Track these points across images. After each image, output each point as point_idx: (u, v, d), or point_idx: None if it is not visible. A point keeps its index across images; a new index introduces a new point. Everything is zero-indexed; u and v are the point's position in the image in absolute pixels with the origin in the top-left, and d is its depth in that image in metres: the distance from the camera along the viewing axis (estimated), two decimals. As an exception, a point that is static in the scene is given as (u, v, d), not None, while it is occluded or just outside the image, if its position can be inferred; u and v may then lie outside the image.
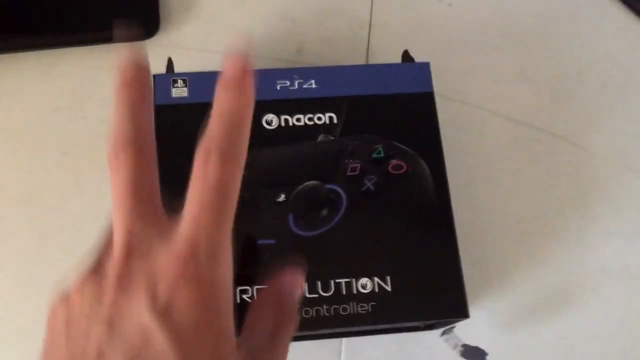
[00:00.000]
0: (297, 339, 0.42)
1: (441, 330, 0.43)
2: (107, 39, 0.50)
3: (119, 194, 0.24)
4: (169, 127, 0.41)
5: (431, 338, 0.44)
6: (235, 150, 0.24)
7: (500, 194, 0.50)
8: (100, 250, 0.25)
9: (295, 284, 0.29)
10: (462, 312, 0.38)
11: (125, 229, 0.24)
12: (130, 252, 0.23)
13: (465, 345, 0.42)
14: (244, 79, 0.25)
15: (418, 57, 0.46)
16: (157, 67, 0.50)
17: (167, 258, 0.23)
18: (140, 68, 0.26)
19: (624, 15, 0.56)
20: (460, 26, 0.55)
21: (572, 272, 0.48)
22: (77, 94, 0.50)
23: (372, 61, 0.53)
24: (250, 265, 0.38)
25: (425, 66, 0.43)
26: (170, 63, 0.44)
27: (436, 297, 0.38)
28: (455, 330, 0.43)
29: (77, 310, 0.23)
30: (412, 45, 0.53)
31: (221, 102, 0.25)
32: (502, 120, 0.52)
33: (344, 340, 0.45)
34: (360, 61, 0.53)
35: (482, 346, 0.44)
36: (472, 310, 0.38)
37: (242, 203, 0.39)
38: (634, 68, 0.54)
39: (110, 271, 0.23)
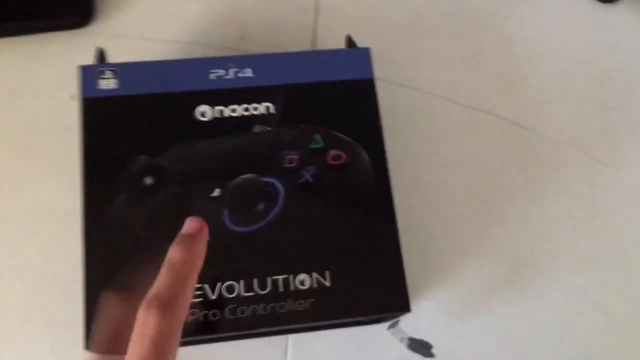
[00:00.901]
0: (238, 337, 0.41)
1: (387, 323, 0.42)
2: (41, 28, 0.47)
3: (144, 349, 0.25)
4: (97, 120, 0.39)
5: (379, 331, 0.43)
6: (176, 303, 0.26)
7: (450, 180, 0.49)
8: None
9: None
10: (404, 306, 0.37)
11: None
12: None
13: (411, 339, 0.40)
14: (196, 239, 0.29)
15: (367, 43, 0.44)
16: (93, 57, 0.48)
17: None
18: (197, 242, 0.29)
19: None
20: (410, 10, 0.54)
21: (522, 260, 0.47)
22: (10, 86, 0.48)
23: (318, 47, 0.52)
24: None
25: (366, 51, 0.42)
26: (100, 54, 0.42)
27: (377, 291, 0.37)
28: (401, 323, 0.41)
29: None
30: (360, 30, 0.51)
31: (171, 255, 0.28)
32: (453, 105, 0.51)
33: (291, 335, 0.43)
34: (306, 47, 0.52)
35: (431, 337, 0.43)
36: (420, 300, 0.37)
37: (175, 199, 0.38)
38: (584, 51, 0.53)
39: None
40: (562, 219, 0.48)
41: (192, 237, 0.29)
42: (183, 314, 0.27)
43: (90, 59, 0.47)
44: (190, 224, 0.30)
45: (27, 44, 0.49)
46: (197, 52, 0.50)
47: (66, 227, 0.44)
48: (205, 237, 0.30)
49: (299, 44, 0.52)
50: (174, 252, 0.28)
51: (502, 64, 0.52)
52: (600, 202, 0.49)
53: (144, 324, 0.25)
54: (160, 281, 0.27)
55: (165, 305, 0.26)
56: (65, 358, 0.42)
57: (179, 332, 0.26)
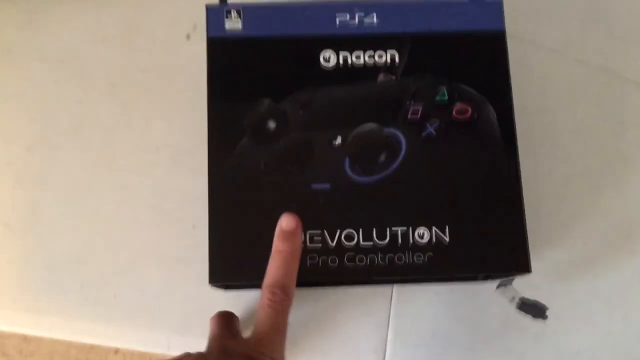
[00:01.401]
0: (346, 283, 0.41)
1: (496, 282, 0.42)
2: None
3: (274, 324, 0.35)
4: (224, 60, 0.39)
5: (484, 288, 0.43)
6: (291, 286, 0.35)
7: (563, 140, 0.47)
8: None
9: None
10: (524, 267, 0.36)
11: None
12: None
13: (523, 299, 0.40)
14: (296, 234, 0.36)
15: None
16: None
17: None
18: (298, 236, 0.36)
19: None
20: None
21: (635, 223, 0.45)
22: (125, 25, 0.48)
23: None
24: (303, 209, 0.37)
25: (498, 4, 0.40)
26: (223, -8, 0.41)
27: (497, 250, 0.37)
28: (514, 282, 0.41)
29: None
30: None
31: (281, 248, 0.35)
32: (571, 62, 0.48)
33: (395, 286, 0.44)
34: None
35: (539, 298, 0.42)
36: (531, 261, 0.37)
37: (297, 144, 0.38)
38: None
39: None
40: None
41: (293, 233, 0.35)
42: (294, 293, 0.35)
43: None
44: (289, 222, 0.35)
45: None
46: None
47: (177, 165, 0.45)
48: (300, 229, 0.36)
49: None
50: (283, 246, 0.35)
51: (625, 19, 0.49)
52: None
53: (273, 303, 0.34)
54: (278, 271, 0.35)
55: (285, 290, 0.34)
56: (175, 292, 0.43)
57: (290, 309, 0.35)
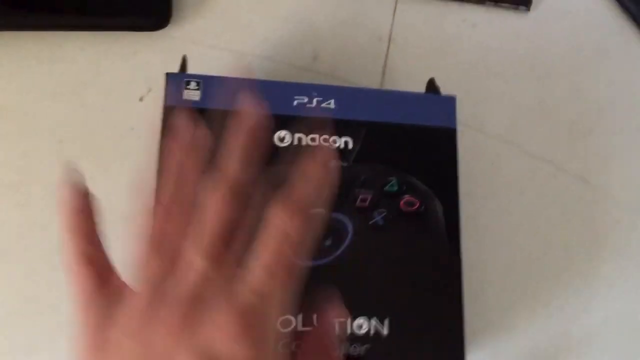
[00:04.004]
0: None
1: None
2: (115, 26, 0.47)
3: (211, 227, 0.24)
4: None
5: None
6: (314, 212, 0.26)
7: (508, 228, 0.48)
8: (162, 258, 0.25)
9: (339, 323, 0.30)
10: None
11: (201, 266, 0.23)
12: (198, 292, 0.23)
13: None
14: (329, 167, 0.28)
15: (436, 77, 0.43)
16: (166, 58, 0.48)
17: (230, 313, 0.22)
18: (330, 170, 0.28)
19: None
20: (482, 49, 0.53)
21: (574, 318, 0.46)
22: (78, 80, 0.47)
23: (388, 76, 0.51)
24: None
25: (451, 100, 0.41)
26: (184, 62, 0.41)
27: (433, 346, 0.37)
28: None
29: (132, 322, 0.23)
30: (431, 64, 0.51)
31: (310, 169, 0.27)
32: (517, 151, 0.50)
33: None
34: (377, 75, 0.51)
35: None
36: (470, 348, 0.37)
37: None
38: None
39: (172, 303, 0.23)
40: (617, 281, 0.47)
41: (326, 162, 0.28)
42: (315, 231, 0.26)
43: (163, 62, 0.47)
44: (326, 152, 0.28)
45: (101, 40, 0.48)
46: (268, 68, 0.50)
47: (121, 230, 0.44)
48: (333, 172, 0.28)
49: (370, 71, 0.51)
50: (310, 167, 0.27)
51: (571, 115, 0.52)
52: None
53: (284, 225, 0.25)
54: (301, 189, 0.26)
55: (307, 212, 0.26)
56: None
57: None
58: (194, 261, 0.24)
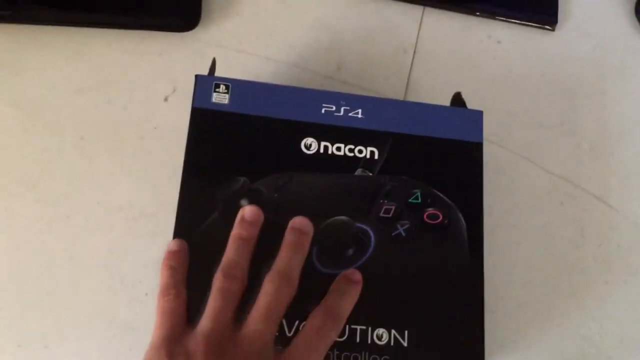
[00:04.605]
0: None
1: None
2: (145, 25, 0.47)
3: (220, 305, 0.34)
4: (205, 132, 0.39)
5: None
6: (245, 271, 0.35)
7: (525, 245, 0.48)
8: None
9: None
10: None
11: (215, 329, 0.33)
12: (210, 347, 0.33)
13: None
14: (255, 224, 0.37)
15: (459, 92, 0.43)
16: (193, 60, 0.48)
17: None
18: (257, 221, 0.37)
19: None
20: (506, 66, 0.53)
21: (588, 339, 0.46)
22: (103, 77, 0.47)
23: (412, 88, 0.51)
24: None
25: (478, 115, 0.41)
26: (213, 64, 0.41)
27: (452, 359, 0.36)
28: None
29: None
30: (455, 78, 0.51)
31: (236, 232, 0.36)
32: (537, 169, 0.50)
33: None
34: (400, 86, 0.51)
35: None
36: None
37: (268, 227, 0.37)
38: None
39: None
40: (633, 303, 0.47)
41: (253, 223, 0.37)
42: (246, 281, 0.35)
43: (190, 62, 0.47)
44: (252, 212, 0.37)
45: (129, 38, 0.48)
46: (293, 75, 0.50)
47: (139, 227, 0.44)
48: (261, 221, 0.37)
49: (393, 83, 0.51)
50: (240, 230, 0.36)
51: (593, 135, 0.52)
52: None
53: (218, 288, 0.34)
54: (233, 253, 0.36)
55: (238, 272, 0.35)
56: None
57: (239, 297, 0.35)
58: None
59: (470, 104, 0.43)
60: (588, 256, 0.48)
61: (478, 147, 0.40)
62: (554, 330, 0.46)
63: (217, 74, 0.40)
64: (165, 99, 0.47)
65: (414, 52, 0.53)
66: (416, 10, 0.53)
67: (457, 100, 0.43)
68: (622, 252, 0.49)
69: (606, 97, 0.53)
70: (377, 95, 0.49)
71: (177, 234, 0.37)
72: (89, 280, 0.42)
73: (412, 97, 0.51)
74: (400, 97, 0.51)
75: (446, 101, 0.44)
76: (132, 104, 0.47)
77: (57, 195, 0.44)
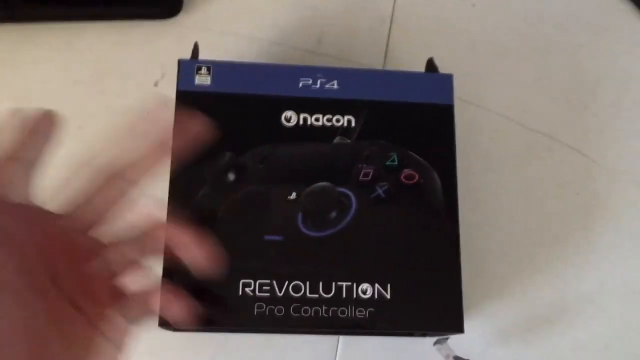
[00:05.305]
0: (294, 331, 0.43)
1: (434, 338, 0.44)
2: (130, 15, 0.50)
3: None
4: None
5: (425, 343, 0.46)
6: None
7: (506, 199, 0.50)
8: None
9: None
10: (457, 327, 0.39)
11: None
12: None
13: (457, 357, 0.43)
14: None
15: (437, 56, 0.45)
16: (178, 45, 0.50)
17: None
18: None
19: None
20: (481, 28, 0.55)
21: (570, 285, 0.49)
22: (97, 68, 0.50)
23: (390, 57, 0.54)
24: (255, 259, 0.39)
25: (448, 78, 0.43)
26: (195, 48, 0.43)
27: (433, 309, 0.39)
28: (449, 340, 0.44)
29: None
30: (432, 44, 0.53)
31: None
32: (516, 126, 0.52)
33: (342, 336, 0.46)
34: (379, 56, 0.53)
35: (474, 355, 0.45)
36: (468, 315, 0.39)
37: (254, 197, 0.40)
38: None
39: None
40: (611, 249, 0.50)
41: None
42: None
43: (175, 50, 0.49)
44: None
45: (117, 29, 0.51)
46: (276, 52, 0.52)
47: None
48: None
49: (372, 53, 0.53)
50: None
51: (567, 89, 0.54)
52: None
53: None
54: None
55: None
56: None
57: None
58: None
59: (448, 68, 0.45)
60: (567, 206, 0.51)
61: (449, 109, 0.43)
62: (537, 278, 0.49)
63: (203, 56, 0.43)
64: (156, 84, 0.50)
65: (391, 21, 0.55)
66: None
67: (430, 65, 0.45)
68: (600, 199, 0.51)
69: (580, 52, 0.55)
70: (356, 67, 0.52)
71: (171, 210, 0.40)
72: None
73: (392, 66, 0.53)
74: (380, 66, 0.53)
75: (424, 67, 0.46)
76: (125, 91, 0.50)
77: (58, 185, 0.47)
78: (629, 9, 0.56)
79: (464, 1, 0.55)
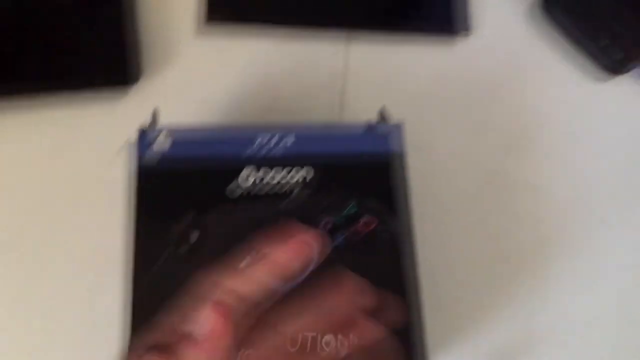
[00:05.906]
0: None
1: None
2: (88, 85, 0.51)
3: None
4: (150, 177, 0.42)
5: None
6: None
7: (466, 240, 0.52)
8: None
9: None
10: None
11: None
12: None
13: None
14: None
15: (389, 106, 0.47)
16: (138, 111, 0.52)
17: None
18: None
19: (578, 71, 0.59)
20: (429, 79, 0.58)
21: (533, 320, 0.50)
22: (56, 139, 0.52)
23: (346, 110, 0.56)
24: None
25: (398, 127, 0.45)
26: (154, 114, 0.45)
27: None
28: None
29: None
30: (382, 96, 0.56)
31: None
32: (469, 168, 0.54)
33: None
34: (335, 110, 0.55)
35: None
36: (436, 352, 0.40)
37: (217, 254, 0.41)
38: (591, 118, 0.58)
39: None
40: (572, 280, 0.51)
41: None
42: None
43: (134, 117, 0.51)
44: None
45: (77, 100, 0.52)
46: (234, 114, 0.54)
47: (108, 275, 0.47)
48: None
49: (328, 107, 0.56)
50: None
51: (515, 130, 0.57)
52: (604, 262, 0.52)
53: None
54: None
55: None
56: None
57: None
58: None
59: (400, 116, 0.47)
60: (526, 240, 0.53)
61: (401, 156, 0.45)
62: (501, 314, 0.50)
63: (163, 120, 0.44)
64: (116, 155, 0.51)
65: (344, 73, 0.57)
66: (340, 36, 0.58)
67: (382, 115, 0.47)
68: (558, 232, 0.53)
69: (521, 94, 0.58)
70: (312, 122, 0.54)
71: (134, 277, 0.40)
72: (62, 330, 0.46)
73: (348, 118, 0.55)
74: (337, 119, 0.55)
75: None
76: (87, 161, 0.51)
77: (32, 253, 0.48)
78: (562, 49, 0.59)
79: (412, 54, 0.58)
